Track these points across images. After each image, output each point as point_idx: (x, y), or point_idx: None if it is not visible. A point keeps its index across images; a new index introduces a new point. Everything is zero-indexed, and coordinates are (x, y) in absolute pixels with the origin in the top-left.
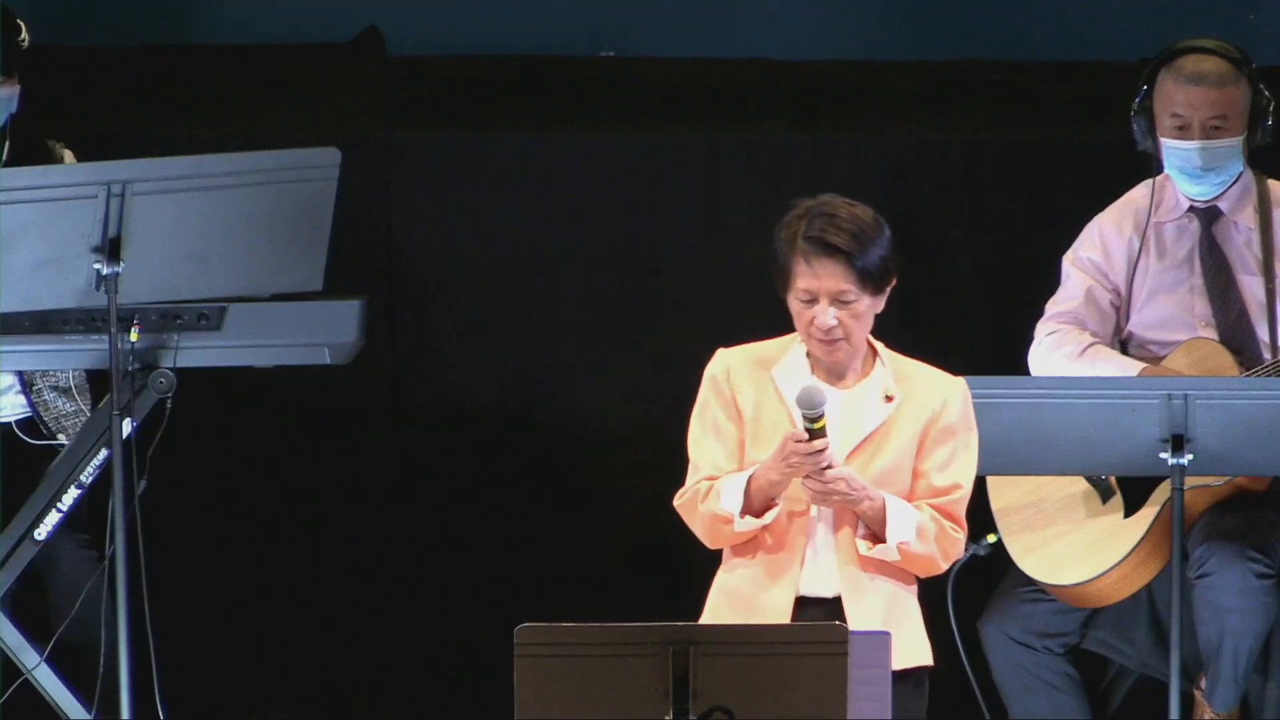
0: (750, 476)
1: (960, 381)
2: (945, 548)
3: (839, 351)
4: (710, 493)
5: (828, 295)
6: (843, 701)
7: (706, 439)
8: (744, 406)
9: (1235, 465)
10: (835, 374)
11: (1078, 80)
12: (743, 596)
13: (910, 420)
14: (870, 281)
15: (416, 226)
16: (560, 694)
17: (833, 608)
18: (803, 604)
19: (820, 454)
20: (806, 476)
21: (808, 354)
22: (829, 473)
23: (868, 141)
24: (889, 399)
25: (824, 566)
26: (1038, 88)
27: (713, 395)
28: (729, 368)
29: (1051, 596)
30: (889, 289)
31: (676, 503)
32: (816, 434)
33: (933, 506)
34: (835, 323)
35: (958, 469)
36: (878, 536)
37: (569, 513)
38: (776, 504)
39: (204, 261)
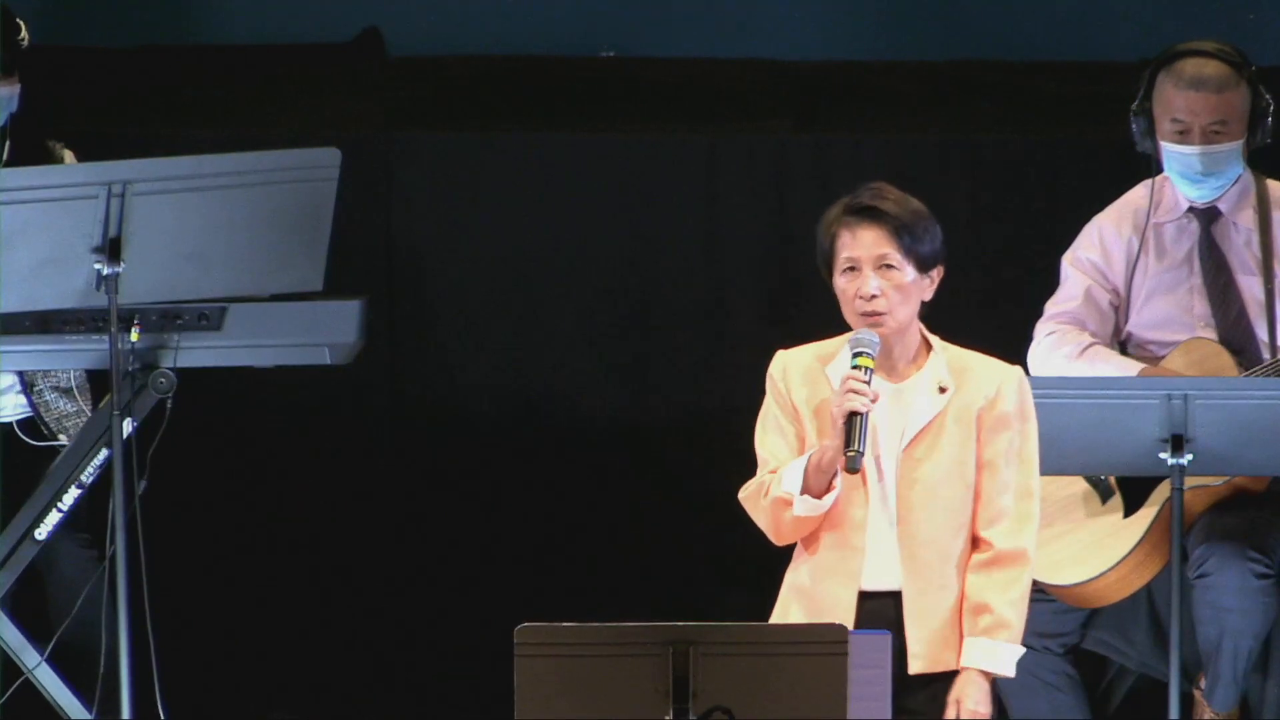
0: (809, 455)
1: (1016, 370)
2: (1022, 604)
3: (883, 326)
4: (773, 482)
5: (870, 260)
6: (843, 701)
7: (769, 436)
8: (799, 404)
9: (1235, 465)
10: (886, 367)
11: (1078, 80)
12: (807, 592)
13: (964, 409)
14: (914, 253)
15: (416, 226)
16: (560, 694)
17: (893, 601)
18: (864, 598)
19: (865, 384)
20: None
21: None
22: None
23: (868, 141)
24: (942, 390)
25: (886, 558)
26: (1038, 88)
27: (772, 396)
28: (785, 368)
29: (1051, 596)
30: (936, 275)
31: (741, 495)
32: (857, 369)
33: (996, 560)
34: (878, 291)
35: (1026, 466)
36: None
37: (569, 513)
38: (835, 486)
39: (204, 261)
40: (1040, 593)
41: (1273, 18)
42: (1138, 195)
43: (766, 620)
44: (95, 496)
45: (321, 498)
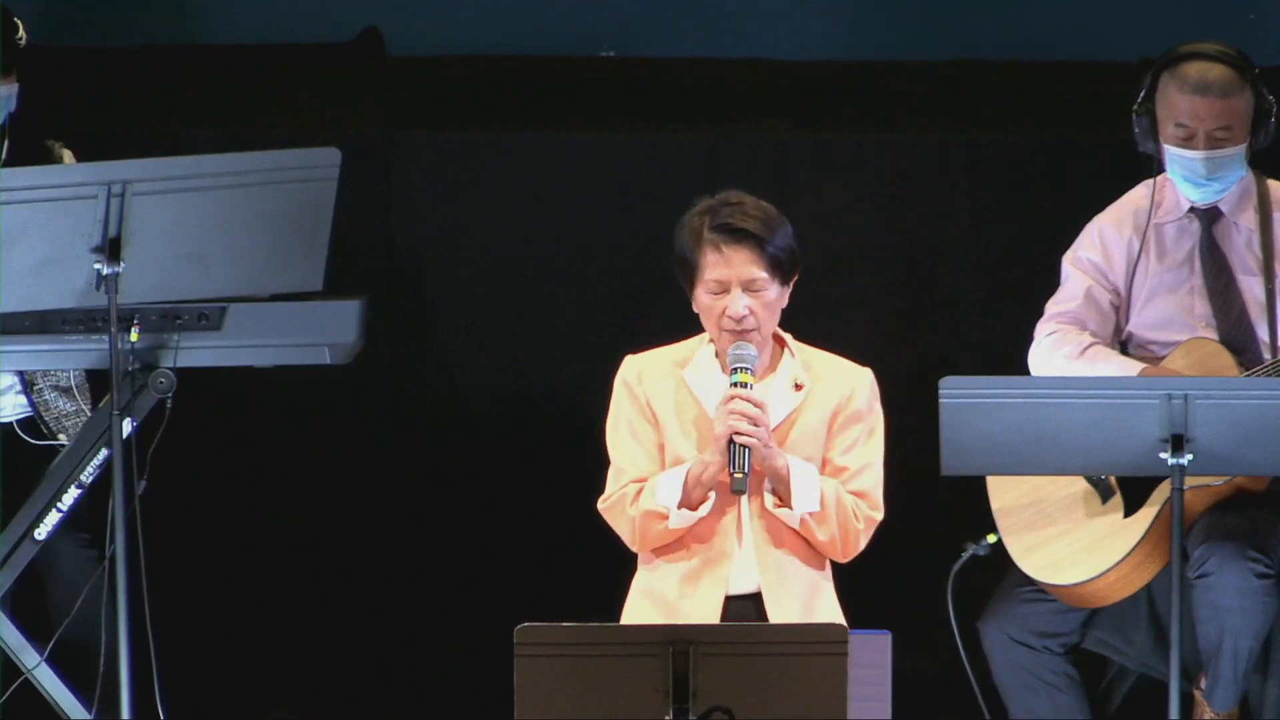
0: (688, 469)
1: (867, 371)
2: (848, 524)
3: (751, 343)
4: (641, 493)
5: (739, 282)
6: (843, 701)
7: (625, 443)
8: (659, 409)
9: (1235, 465)
10: None
11: (1078, 80)
12: (666, 598)
13: (818, 408)
14: (779, 269)
15: (416, 226)
16: (560, 694)
17: (756, 603)
18: (728, 601)
19: (757, 406)
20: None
21: (716, 353)
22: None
23: (868, 141)
24: (798, 387)
25: (747, 562)
26: (1038, 88)
27: (626, 400)
28: (639, 372)
29: (1051, 596)
30: (794, 282)
31: (601, 506)
32: (739, 385)
33: (847, 489)
34: (747, 311)
35: (864, 450)
36: (784, 500)
37: (569, 512)
38: (709, 498)
39: (204, 261)
40: (1040, 593)
41: (1273, 18)
42: (1138, 195)
43: (616, 600)
44: (95, 496)
45: (321, 498)
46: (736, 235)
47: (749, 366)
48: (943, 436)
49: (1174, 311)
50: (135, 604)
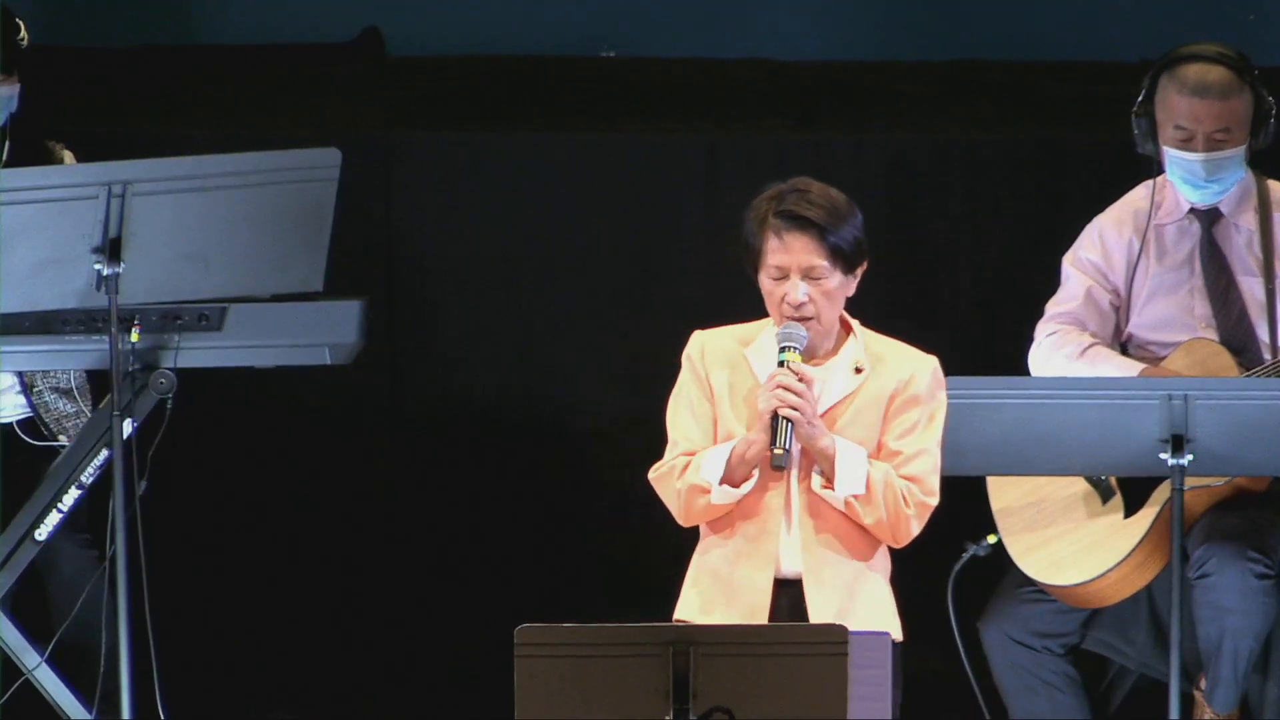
0: (733, 446)
1: (931, 359)
2: (897, 508)
3: (809, 330)
4: (689, 467)
5: (799, 270)
6: (843, 701)
7: (682, 416)
8: (716, 385)
9: (1235, 465)
10: (807, 352)
11: (1078, 80)
12: (721, 575)
13: (876, 392)
14: (841, 258)
15: (416, 226)
16: (560, 694)
17: (798, 589)
18: (778, 585)
19: (804, 382)
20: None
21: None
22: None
23: (868, 141)
24: (858, 370)
25: (794, 544)
26: (1038, 88)
27: (688, 375)
28: (703, 348)
29: (1051, 597)
30: (861, 271)
31: (651, 475)
32: (786, 364)
33: (900, 473)
34: (806, 299)
35: (921, 435)
36: (830, 481)
37: (570, 512)
38: (752, 476)
39: (204, 262)
40: (1040, 593)
41: (1273, 18)
42: (1138, 196)
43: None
44: (95, 497)
45: (322, 498)
46: (798, 223)
47: (796, 345)
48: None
49: (1174, 312)
50: (135, 604)
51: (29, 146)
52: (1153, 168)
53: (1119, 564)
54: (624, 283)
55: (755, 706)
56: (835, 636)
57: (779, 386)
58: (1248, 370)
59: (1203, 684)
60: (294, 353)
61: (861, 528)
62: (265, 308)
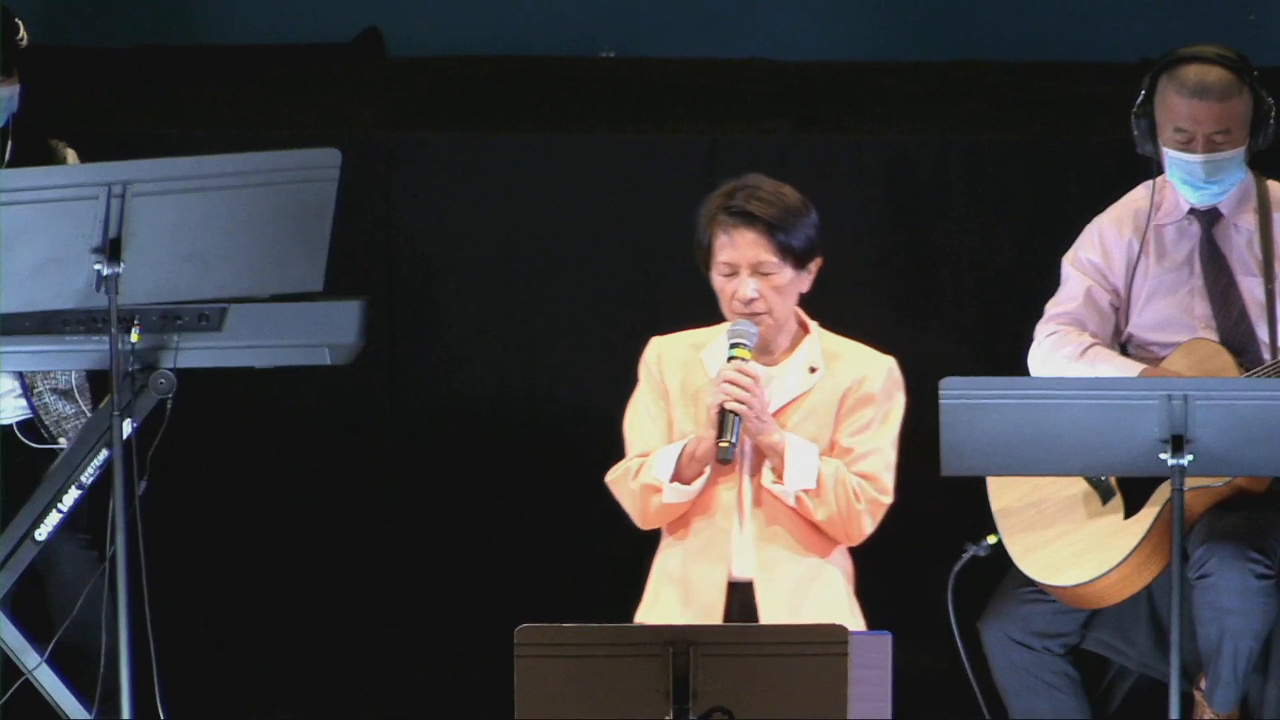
0: (684, 444)
1: (888, 359)
2: (848, 505)
3: (761, 325)
4: (642, 467)
5: (747, 265)
6: (843, 702)
7: (640, 422)
8: (671, 387)
9: (1235, 466)
10: (761, 350)
11: (1078, 80)
12: (677, 577)
13: (829, 391)
14: (791, 254)
15: (416, 226)
16: (560, 694)
17: (749, 591)
18: (731, 588)
19: (750, 377)
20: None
21: None
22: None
23: (868, 141)
24: (813, 370)
25: (747, 542)
26: (1038, 88)
27: (645, 382)
28: (659, 353)
29: (1051, 597)
30: (814, 267)
31: (608, 479)
32: (734, 360)
33: (853, 471)
34: (756, 294)
35: (874, 434)
36: (780, 477)
37: (570, 513)
38: (704, 473)
39: (204, 262)
40: (1040, 593)
41: (1273, 18)
42: (1138, 196)
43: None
44: (95, 497)
45: (321, 498)
46: (745, 219)
47: (746, 342)
48: (943, 437)
49: (1174, 313)
50: (135, 604)
51: (32, 146)
52: (1152, 168)
53: (1119, 564)
54: (624, 282)
55: (755, 706)
56: (835, 636)
57: (726, 381)
58: (1247, 370)
59: (1203, 684)
60: (294, 353)
61: (814, 525)
62: (265, 308)
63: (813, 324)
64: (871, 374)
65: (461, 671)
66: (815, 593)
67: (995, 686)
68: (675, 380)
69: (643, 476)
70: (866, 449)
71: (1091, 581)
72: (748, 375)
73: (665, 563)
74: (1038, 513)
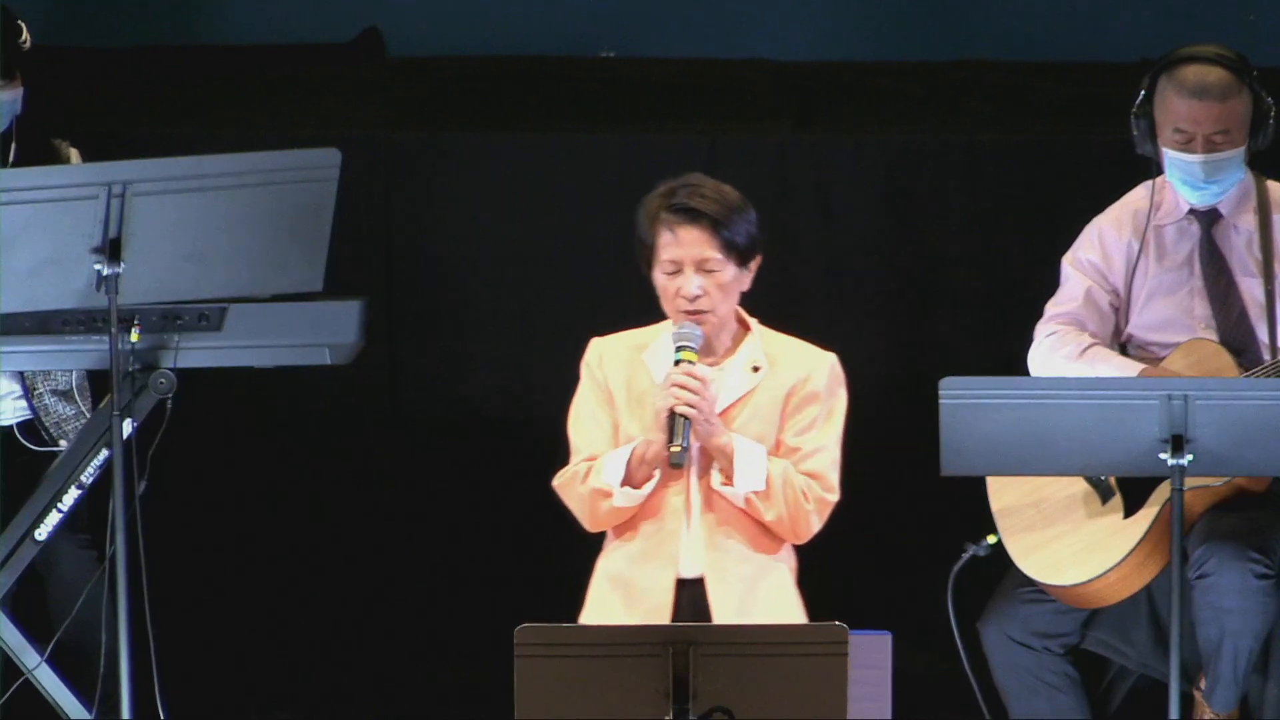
0: (633, 448)
1: (830, 355)
2: (797, 505)
3: (705, 324)
4: (590, 471)
5: (692, 262)
6: (843, 702)
7: (584, 424)
8: (615, 390)
9: (1235, 465)
10: (704, 350)
11: (1078, 80)
12: (623, 579)
13: (773, 390)
14: (735, 251)
15: (416, 226)
16: (560, 694)
17: (699, 588)
18: (680, 585)
19: (699, 380)
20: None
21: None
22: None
23: (868, 141)
24: (756, 369)
25: (696, 543)
26: (1038, 88)
27: (588, 382)
28: (601, 355)
29: (1051, 597)
30: (755, 265)
31: (555, 483)
32: (681, 363)
33: (799, 469)
34: (700, 291)
35: (819, 432)
36: (729, 478)
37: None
38: (654, 476)
39: (204, 262)
40: (1040, 593)
41: (1273, 18)
42: (1138, 197)
43: (581, 609)
44: (95, 497)
45: (321, 498)
46: (690, 215)
47: (692, 345)
48: (942, 437)
49: (1174, 313)
50: (135, 604)
51: (35, 147)
52: (1152, 168)
53: (1118, 564)
54: (624, 282)
55: (755, 706)
56: (835, 636)
57: (675, 384)
58: (1247, 370)
59: (1203, 684)
60: (294, 353)
61: (762, 524)
62: (265, 308)
63: (753, 322)
64: (815, 372)
65: (461, 671)
66: (765, 590)
67: (995, 686)
68: (619, 382)
69: (592, 480)
70: (812, 447)
71: (1091, 581)
72: (696, 379)
73: (609, 566)
74: (1038, 512)
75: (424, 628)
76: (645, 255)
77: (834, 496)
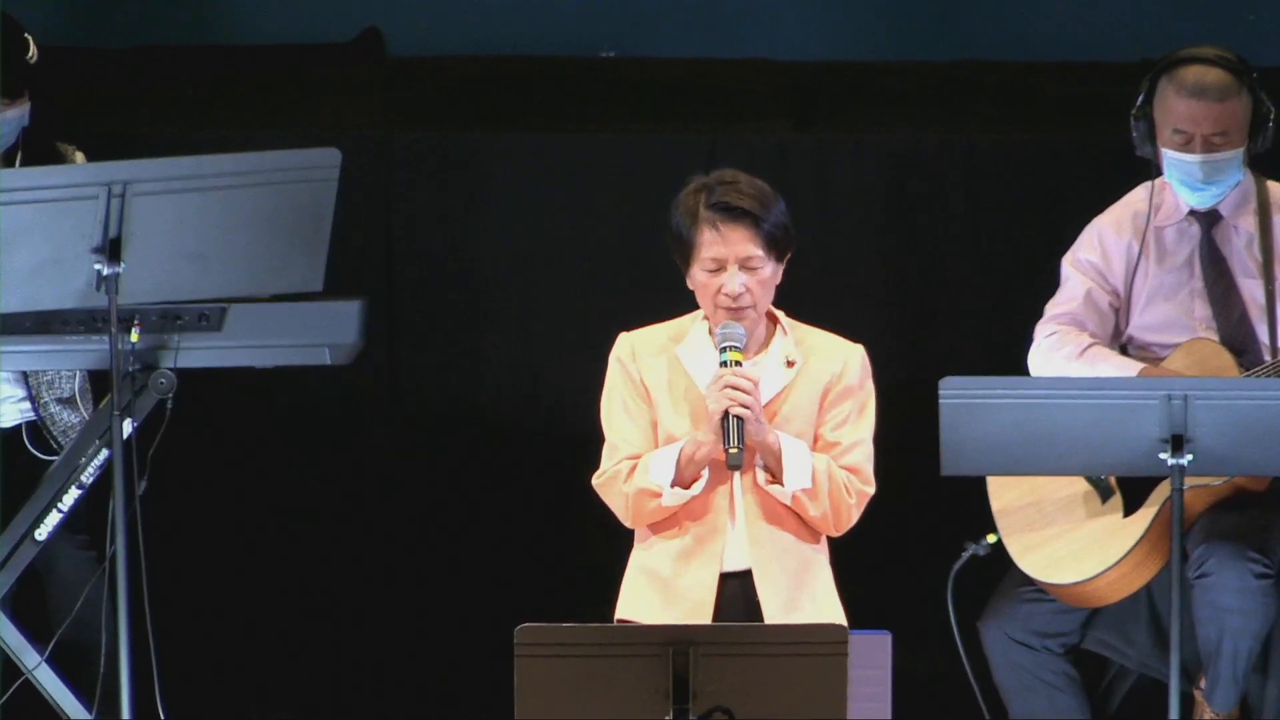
0: (681, 448)
1: (858, 348)
2: (840, 499)
3: (745, 320)
4: (635, 470)
5: (736, 260)
6: (843, 701)
7: (619, 419)
8: (651, 386)
9: (1235, 465)
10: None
11: (1078, 80)
12: (662, 576)
13: (810, 384)
14: (775, 246)
15: (416, 226)
16: (560, 694)
17: (745, 581)
18: (726, 579)
19: (750, 380)
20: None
21: (710, 330)
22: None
23: (868, 141)
24: (790, 364)
25: (740, 539)
26: (1038, 88)
27: (620, 377)
28: (633, 349)
29: (1051, 596)
30: (788, 258)
31: (595, 482)
32: (729, 364)
33: (839, 464)
34: (743, 289)
35: (855, 426)
36: (775, 477)
37: (570, 513)
38: (702, 476)
39: (204, 262)
40: (1040, 593)
41: (1273, 18)
42: (1137, 198)
43: (615, 601)
44: (95, 497)
45: (321, 498)
46: (733, 214)
47: (738, 345)
48: (943, 437)
49: (1174, 314)
50: (135, 604)
51: (40, 149)
52: (1152, 170)
53: (1118, 563)
54: (624, 282)
55: (755, 706)
56: (835, 636)
57: (728, 386)
58: (1248, 370)
59: (1203, 684)
60: (294, 353)
61: (801, 518)
62: (265, 308)
63: (781, 315)
64: (848, 365)
65: (461, 671)
66: (810, 582)
67: (995, 686)
68: (657, 380)
69: (637, 480)
70: (851, 441)
71: (1091, 579)
72: (748, 379)
73: (647, 561)
74: (1037, 512)
75: (424, 628)
76: (683, 252)
77: (871, 489)
